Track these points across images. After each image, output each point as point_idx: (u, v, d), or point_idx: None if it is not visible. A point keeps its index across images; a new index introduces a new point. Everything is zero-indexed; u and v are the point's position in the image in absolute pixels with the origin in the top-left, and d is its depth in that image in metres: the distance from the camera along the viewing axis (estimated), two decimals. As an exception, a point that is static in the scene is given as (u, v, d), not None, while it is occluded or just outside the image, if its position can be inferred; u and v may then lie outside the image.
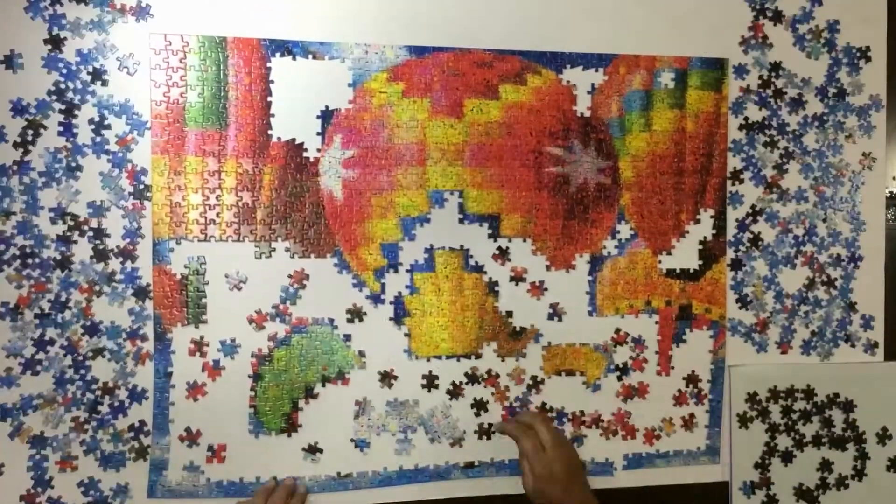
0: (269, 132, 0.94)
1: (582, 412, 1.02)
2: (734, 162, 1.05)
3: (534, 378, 1.01)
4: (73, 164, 0.90)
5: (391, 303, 0.97)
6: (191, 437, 0.94)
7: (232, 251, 0.94)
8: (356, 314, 0.96)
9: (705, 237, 1.04)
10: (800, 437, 1.06)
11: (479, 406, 0.99)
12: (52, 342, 0.90)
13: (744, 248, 1.05)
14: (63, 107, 0.90)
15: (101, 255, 0.91)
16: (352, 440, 0.97)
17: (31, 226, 0.89)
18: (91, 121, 0.91)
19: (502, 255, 0.99)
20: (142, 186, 0.92)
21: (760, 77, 1.05)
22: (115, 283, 0.91)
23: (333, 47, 0.95)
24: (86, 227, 0.91)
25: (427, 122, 0.97)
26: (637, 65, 1.02)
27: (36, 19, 0.89)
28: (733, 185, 1.05)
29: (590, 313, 1.02)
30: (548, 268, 1.01)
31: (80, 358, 0.91)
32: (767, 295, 1.06)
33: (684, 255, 1.04)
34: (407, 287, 0.97)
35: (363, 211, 0.96)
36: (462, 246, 0.98)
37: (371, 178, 0.96)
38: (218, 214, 0.93)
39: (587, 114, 1.01)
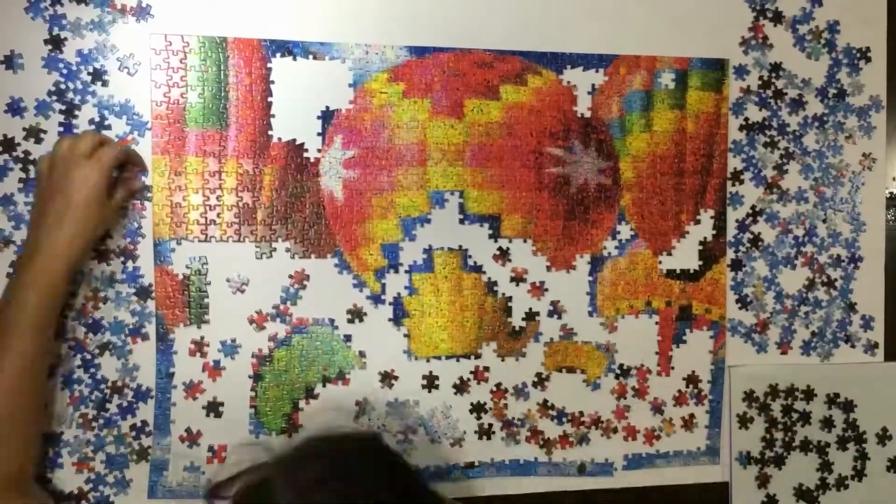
0: (270, 132, 0.94)
1: (581, 412, 1.02)
2: (734, 162, 1.05)
3: (538, 375, 1.01)
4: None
5: (390, 304, 0.97)
6: (191, 438, 0.94)
7: (232, 251, 0.94)
8: (356, 314, 0.96)
9: (705, 238, 1.04)
10: (800, 437, 1.06)
11: (479, 409, 0.99)
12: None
13: (744, 249, 1.06)
14: (63, 107, 0.90)
15: (102, 255, 0.91)
16: (352, 440, 0.97)
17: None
18: (91, 121, 0.90)
19: (503, 255, 0.99)
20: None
21: (761, 78, 1.06)
22: (117, 284, 0.91)
23: (334, 48, 0.95)
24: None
25: (427, 123, 0.97)
26: (637, 65, 1.02)
27: (36, 20, 0.89)
28: (733, 185, 1.05)
29: (590, 314, 1.02)
30: (548, 268, 1.01)
31: (89, 356, 0.91)
32: (767, 295, 1.06)
33: (684, 255, 1.04)
34: (406, 288, 0.97)
35: (364, 211, 0.96)
36: (461, 246, 0.98)
37: (371, 179, 0.96)
38: (218, 215, 0.93)
39: (587, 114, 1.01)
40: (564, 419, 1.02)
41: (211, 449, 0.94)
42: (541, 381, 1.01)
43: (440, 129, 0.97)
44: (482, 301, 0.99)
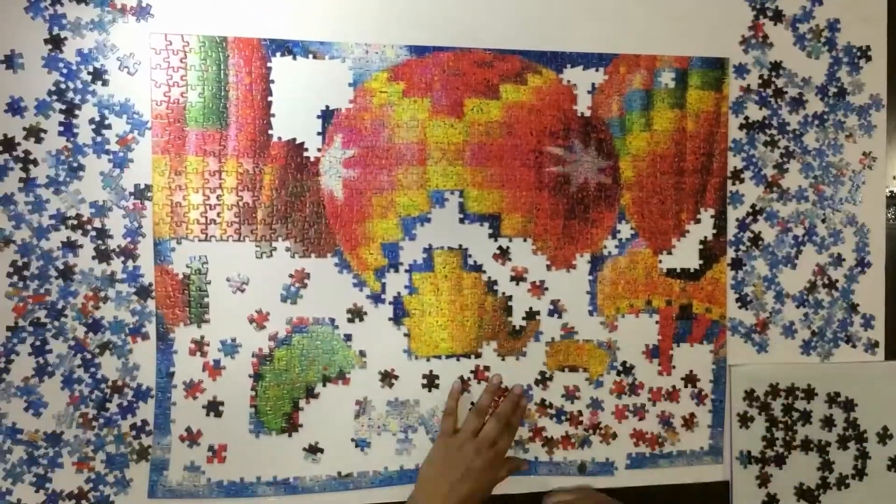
0: (270, 132, 0.94)
1: (580, 412, 1.02)
2: (734, 161, 1.05)
3: (542, 374, 1.01)
4: (75, 165, 0.90)
5: (391, 303, 0.97)
6: (191, 437, 0.94)
7: (232, 251, 0.94)
8: (357, 314, 0.96)
9: (705, 237, 1.04)
10: (800, 436, 1.06)
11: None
12: (59, 339, 0.90)
13: (744, 248, 1.05)
14: (63, 107, 0.90)
15: (103, 255, 0.91)
16: (352, 440, 0.97)
17: (33, 225, 0.89)
18: (91, 121, 0.91)
19: (503, 254, 0.99)
20: (142, 186, 0.92)
21: (761, 76, 1.05)
22: (118, 284, 0.91)
23: (334, 47, 0.95)
24: (88, 227, 0.91)
25: (427, 122, 0.97)
26: (637, 64, 1.02)
27: (36, 19, 0.89)
28: (734, 184, 1.05)
29: (590, 313, 1.02)
30: (548, 267, 1.01)
31: (89, 356, 0.91)
32: (768, 295, 1.06)
33: (685, 254, 1.04)
34: (406, 287, 0.97)
35: (364, 211, 0.96)
36: (461, 245, 0.98)
37: (371, 178, 0.96)
38: (219, 214, 0.93)
39: (587, 113, 1.01)
40: (563, 418, 1.01)
41: (211, 448, 0.94)
42: (543, 381, 1.01)
43: (440, 129, 0.97)
44: (482, 300, 0.99)
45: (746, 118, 1.05)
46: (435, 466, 0.92)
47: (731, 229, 1.05)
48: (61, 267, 0.90)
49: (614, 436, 1.03)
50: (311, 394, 0.96)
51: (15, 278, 0.90)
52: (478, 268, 0.99)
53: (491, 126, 0.98)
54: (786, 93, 1.06)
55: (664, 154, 1.03)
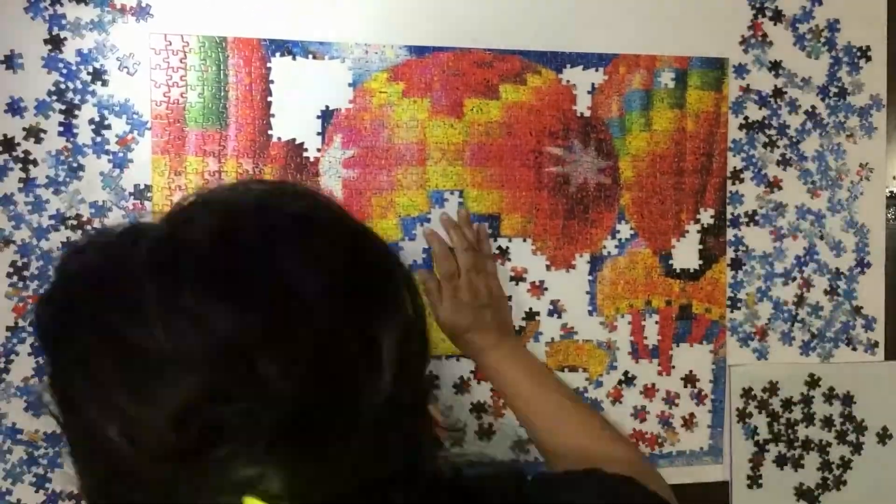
0: (270, 132, 0.94)
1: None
2: (734, 161, 1.05)
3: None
4: (74, 165, 0.90)
5: (391, 302, 0.97)
6: (191, 437, 0.93)
7: (232, 251, 0.93)
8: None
9: (705, 237, 1.04)
10: (801, 436, 1.06)
11: (479, 409, 0.99)
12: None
13: (744, 249, 1.05)
14: (63, 107, 0.90)
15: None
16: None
17: (32, 226, 0.90)
18: (91, 121, 0.91)
19: (502, 254, 0.99)
20: (142, 186, 0.92)
21: (760, 77, 1.05)
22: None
23: (333, 47, 0.95)
24: (88, 228, 0.91)
25: (427, 122, 0.97)
26: (637, 64, 1.02)
27: (36, 19, 0.89)
28: (733, 184, 1.05)
29: (590, 313, 1.02)
30: (548, 268, 1.01)
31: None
32: (768, 295, 1.06)
33: (684, 254, 1.04)
34: (407, 286, 0.97)
35: (363, 211, 0.96)
36: (462, 245, 0.98)
37: (371, 178, 0.96)
38: (218, 214, 0.93)
39: (587, 113, 1.01)
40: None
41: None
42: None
43: (440, 129, 0.97)
44: (482, 299, 0.99)
45: (746, 118, 1.05)
46: (461, 307, 0.91)
47: (731, 229, 1.05)
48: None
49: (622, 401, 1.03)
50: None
51: (15, 278, 0.89)
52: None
53: (490, 126, 0.98)
54: (786, 93, 1.06)
55: (664, 154, 1.03)
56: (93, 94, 0.91)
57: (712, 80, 1.04)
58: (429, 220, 0.97)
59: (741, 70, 1.05)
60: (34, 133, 0.89)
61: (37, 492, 0.90)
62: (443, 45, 0.98)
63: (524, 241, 1.00)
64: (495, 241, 0.99)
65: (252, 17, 0.94)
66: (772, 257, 1.06)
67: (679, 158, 1.03)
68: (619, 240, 1.02)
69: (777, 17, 1.06)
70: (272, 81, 0.94)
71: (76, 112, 0.90)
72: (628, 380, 1.03)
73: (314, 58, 0.95)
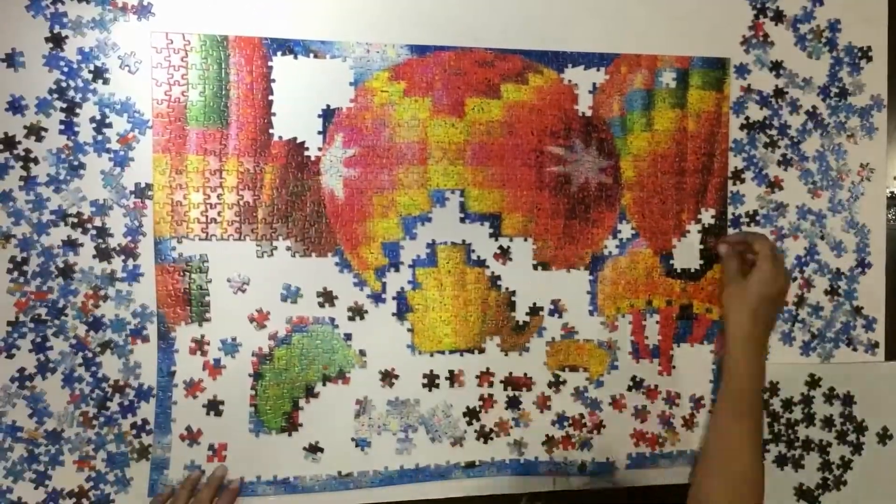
0: (271, 131, 0.94)
1: (582, 415, 1.02)
2: (735, 161, 1.05)
3: (555, 377, 1.01)
4: (75, 163, 0.90)
5: (393, 298, 0.97)
6: (192, 437, 0.93)
7: (233, 250, 0.94)
8: (357, 313, 0.96)
9: (707, 237, 1.04)
10: (801, 436, 1.06)
11: (471, 415, 0.99)
12: (59, 337, 0.90)
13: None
14: (64, 105, 0.90)
15: (103, 253, 0.91)
16: (352, 439, 0.97)
17: (32, 222, 0.89)
18: (92, 119, 0.90)
19: (503, 254, 0.99)
20: (143, 185, 0.92)
21: (762, 77, 1.05)
22: (118, 283, 0.91)
23: (335, 46, 0.95)
24: (89, 226, 0.91)
25: (428, 121, 0.97)
26: (638, 64, 1.02)
27: (37, 17, 0.89)
28: (734, 184, 1.05)
29: (591, 312, 1.02)
30: (548, 266, 1.01)
31: (90, 355, 0.91)
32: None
33: (685, 254, 1.04)
34: (409, 282, 0.97)
35: (364, 210, 0.96)
36: (464, 241, 0.98)
37: (372, 177, 0.96)
38: (219, 213, 0.93)
39: (588, 113, 1.01)
40: (566, 423, 1.01)
41: (211, 447, 0.94)
42: (561, 384, 1.01)
43: (441, 128, 0.97)
44: (486, 295, 0.99)
45: (747, 118, 1.05)
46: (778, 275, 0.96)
47: (732, 229, 1.05)
48: (62, 265, 0.90)
49: (617, 431, 1.03)
50: (310, 393, 0.96)
51: (15, 273, 0.89)
52: (481, 263, 0.99)
53: (492, 126, 0.98)
54: (787, 93, 1.06)
55: (665, 154, 1.03)
56: (94, 92, 0.91)
57: (713, 80, 1.04)
58: (430, 220, 0.97)
59: (742, 70, 1.05)
60: (35, 131, 0.89)
61: (36, 489, 0.90)
62: (444, 45, 0.98)
63: (525, 240, 1.00)
64: (496, 240, 0.99)
65: (253, 15, 0.94)
66: (772, 257, 1.06)
67: (680, 158, 1.03)
68: (620, 239, 1.02)
69: (778, 17, 1.06)
70: (273, 80, 0.94)
71: (77, 110, 0.90)
72: (636, 384, 1.03)
73: (315, 56, 0.95)
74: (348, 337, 0.96)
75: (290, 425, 0.95)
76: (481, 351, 0.99)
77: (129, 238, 0.92)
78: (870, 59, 1.08)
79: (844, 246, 1.08)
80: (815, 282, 1.08)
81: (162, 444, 0.93)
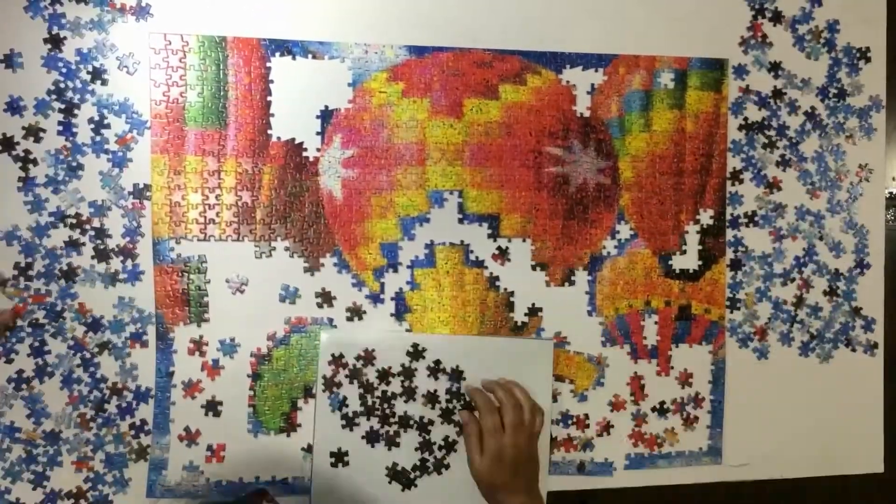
0: (269, 132, 0.94)
1: (587, 415, 1.02)
2: (734, 162, 1.05)
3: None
4: (74, 164, 0.90)
5: (392, 299, 0.97)
6: (190, 437, 0.93)
7: (232, 251, 0.94)
8: (356, 313, 0.96)
9: (705, 237, 1.04)
10: (397, 411, 0.95)
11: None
12: (57, 338, 0.90)
13: (743, 249, 1.05)
14: (63, 106, 0.90)
15: (102, 254, 0.91)
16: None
17: (31, 225, 0.90)
18: (91, 120, 0.91)
19: (502, 254, 0.99)
20: (141, 186, 0.92)
21: (760, 77, 1.05)
22: (117, 283, 0.91)
23: (333, 47, 0.95)
24: (87, 227, 0.91)
25: (427, 122, 0.97)
26: (637, 65, 1.02)
27: (35, 18, 0.89)
28: (733, 185, 1.05)
29: (589, 313, 1.02)
30: (543, 267, 1.01)
31: (88, 356, 0.91)
32: (769, 294, 1.06)
33: (684, 255, 1.04)
34: (408, 283, 0.97)
35: (363, 210, 0.96)
36: (462, 241, 0.98)
37: (371, 178, 0.96)
38: (217, 214, 0.93)
39: (587, 114, 1.01)
40: (570, 422, 1.01)
41: (210, 448, 0.94)
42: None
43: (439, 129, 0.97)
44: (484, 296, 0.99)
45: (746, 119, 1.05)
46: (502, 466, 0.90)
47: (731, 230, 1.05)
48: (64, 267, 0.90)
49: (612, 429, 1.03)
50: (309, 394, 0.96)
51: (16, 272, 0.89)
52: (479, 263, 0.99)
53: (490, 126, 0.98)
54: (785, 94, 1.06)
55: (663, 155, 1.03)
56: (92, 93, 0.91)
57: (712, 80, 1.04)
58: (428, 220, 0.97)
59: (741, 71, 1.05)
60: (33, 132, 0.90)
61: (34, 489, 0.90)
62: (442, 45, 0.98)
63: (524, 241, 1.00)
64: (494, 241, 0.99)
65: (252, 16, 0.94)
66: (771, 258, 1.06)
67: (678, 159, 1.03)
68: (619, 240, 1.02)
69: (776, 18, 1.06)
70: (272, 81, 0.94)
71: (75, 111, 0.90)
72: (635, 384, 1.03)
73: (314, 57, 0.95)
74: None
75: (289, 426, 0.95)
76: (480, 351, 0.99)
77: (128, 239, 0.92)
78: (868, 59, 1.08)
79: (843, 247, 1.08)
80: (814, 282, 1.07)
81: (160, 444, 0.93)
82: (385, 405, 0.96)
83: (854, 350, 1.09)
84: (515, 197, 0.99)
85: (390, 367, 0.96)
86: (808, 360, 1.08)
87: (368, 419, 0.96)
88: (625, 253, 1.02)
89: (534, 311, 1.00)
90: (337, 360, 0.95)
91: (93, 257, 0.91)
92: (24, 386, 0.90)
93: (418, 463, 0.97)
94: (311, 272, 0.95)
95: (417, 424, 0.96)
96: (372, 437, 0.96)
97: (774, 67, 1.06)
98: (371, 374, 0.96)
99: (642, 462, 1.03)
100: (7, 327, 0.89)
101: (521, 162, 0.99)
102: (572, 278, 1.01)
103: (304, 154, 0.95)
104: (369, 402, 0.96)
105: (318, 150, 0.95)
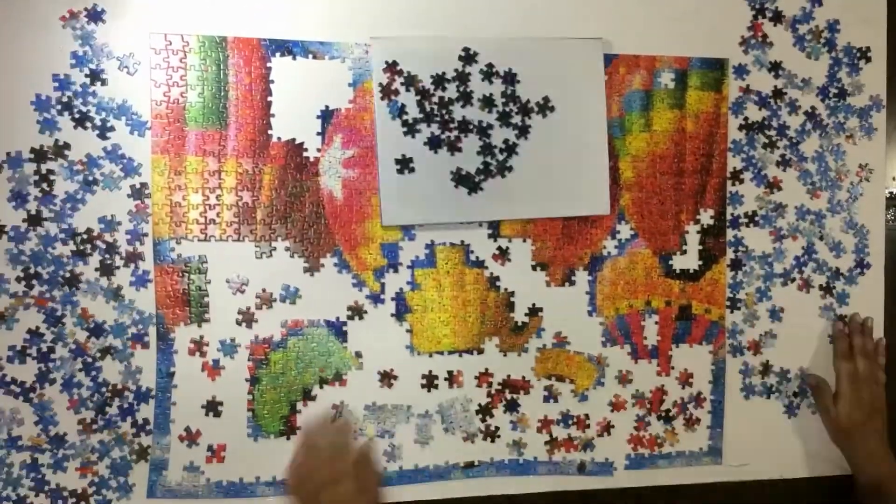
0: (270, 132, 0.94)
1: (587, 415, 1.02)
2: (734, 162, 1.05)
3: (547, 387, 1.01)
4: (74, 162, 0.90)
5: (392, 299, 0.97)
6: (190, 437, 0.93)
7: (232, 251, 0.94)
8: (356, 313, 0.96)
9: (705, 237, 1.04)
10: (455, 117, 0.93)
11: (485, 411, 1.00)
12: (58, 343, 0.90)
13: (743, 249, 1.05)
14: (60, 106, 0.90)
15: (107, 269, 0.91)
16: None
17: (40, 233, 0.90)
18: (90, 120, 0.90)
19: (502, 254, 0.99)
20: (139, 186, 0.92)
21: (760, 77, 1.05)
22: (118, 284, 0.91)
23: (333, 47, 0.95)
24: (90, 227, 0.91)
25: (427, 122, 0.97)
26: (637, 65, 1.02)
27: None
28: (733, 185, 1.05)
29: (589, 313, 1.02)
30: (542, 267, 1.01)
31: (90, 360, 0.91)
32: (769, 294, 1.06)
33: (684, 255, 1.04)
34: (408, 283, 0.97)
35: (363, 211, 0.96)
36: (463, 241, 0.98)
37: (371, 178, 0.96)
38: (218, 214, 0.93)
39: (587, 114, 1.01)
40: (570, 422, 1.01)
41: (210, 448, 0.94)
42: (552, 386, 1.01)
43: (440, 129, 0.97)
44: (485, 296, 0.99)
45: (746, 119, 1.05)
46: (861, 404, 1.02)
47: (731, 230, 1.05)
48: (68, 269, 0.90)
49: (612, 428, 1.03)
50: (308, 396, 0.96)
51: (19, 271, 0.90)
52: (480, 263, 0.99)
53: (490, 126, 0.98)
54: (785, 94, 1.06)
55: (664, 154, 1.03)
56: (93, 94, 0.91)
57: (712, 80, 1.04)
58: (429, 220, 0.98)
59: (741, 71, 1.05)
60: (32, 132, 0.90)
61: (37, 496, 0.91)
62: (443, 46, 0.98)
63: (524, 241, 1.00)
64: (495, 241, 0.99)
65: (252, 16, 0.94)
66: (771, 258, 1.06)
67: (679, 159, 1.03)
68: (619, 240, 1.02)
69: (777, 17, 1.06)
70: (272, 81, 0.94)
71: (75, 112, 0.90)
72: (624, 386, 1.03)
73: (314, 57, 0.95)
74: (345, 338, 0.96)
75: (289, 429, 0.95)
76: (480, 351, 0.99)
77: (128, 237, 0.92)
78: (869, 59, 1.08)
79: (843, 246, 1.08)
80: (814, 282, 1.07)
81: (161, 444, 0.93)
82: (443, 110, 0.95)
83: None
84: (516, 197, 0.99)
85: (444, 73, 0.95)
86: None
87: (429, 125, 0.95)
88: (625, 253, 1.02)
89: (534, 311, 1.00)
90: (391, 67, 0.94)
91: (87, 254, 0.91)
92: (31, 395, 0.90)
93: (481, 167, 0.96)
94: (311, 272, 0.95)
95: (477, 128, 0.96)
96: (434, 143, 0.95)
97: (775, 67, 1.06)
98: (426, 80, 0.95)
99: (643, 462, 1.03)
100: None
101: (522, 162, 0.99)
102: (572, 278, 1.01)
103: (305, 154, 0.95)
104: (427, 108, 0.95)
105: (319, 150, 0.95)
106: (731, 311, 1.05)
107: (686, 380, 1.04)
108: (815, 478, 1.08)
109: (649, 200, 1.03)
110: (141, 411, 0.92)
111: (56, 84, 0.90)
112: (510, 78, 0.97)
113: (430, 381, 0.98)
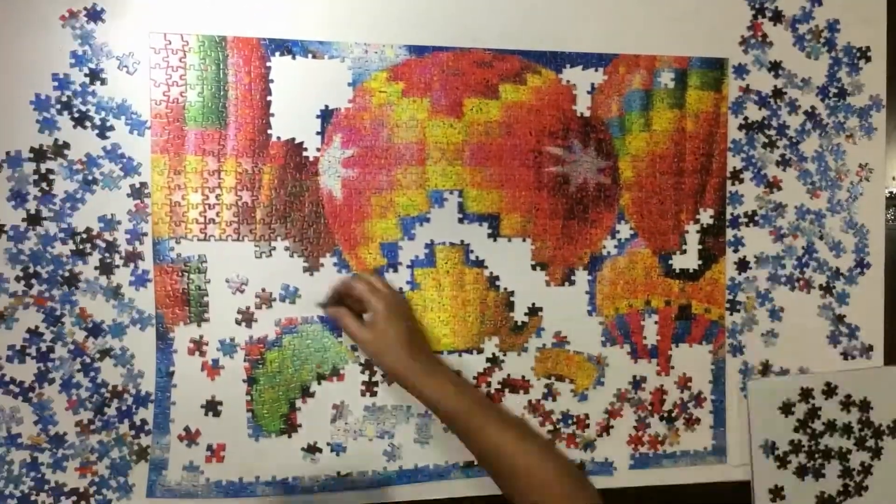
0: (269, 131, 0.94)
1: (587, 415, 1.02)
2: (734, 162, 1.05)
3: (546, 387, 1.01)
4: (74, 164, 0.90)
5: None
6: (190, 437, 0.93)
7: (232, 250, 0.94)
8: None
9: (705, 237, 1.04)
10: (822, 444, 1.06)
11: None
12: (57, 343, 0.90)
13: (743, 248, 1.05)
14: (60, 106, 0.90)
15: (106, 267, 0.91)
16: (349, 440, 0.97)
17: (40, 233, 0.90)
18: (90, 120, 0.90)
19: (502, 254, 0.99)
20: (139, 185, 0.92)
21: (760, 77, 1.05)
22: (119, 283, 0.91)
23: (333, 47, 0.95)
24: (90, 227, 0.91)
25: (427, 122, 0.97)
26: (637, 64, 1.02)
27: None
28: (733, 184, 1.05)
29: (589, 313, 1.01)
30: (542, 267, 1.01)
31: (89, 360, 0.91)
32: (769, 294, 1.06)
33: (684, 254, 1.04)
34: (408, 283, 0.97)
35: (363, 210, 0.96)
36: (462, 241, 0.98)
37: (371, 178, 0.96)
38: (217, 214, 0.93)
39: (587, 113, 1.01)
40: (571, 421, 1.01)
41: (210, 448, 0.94)
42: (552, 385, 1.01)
43: (439, 129, 0.97)
44: (484, 296, 0.99)
45: (746, 118, 1.05)
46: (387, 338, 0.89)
47: (731, 230, 1.05)
48: (68, 268, 0.90)
49: (612, 429, 1.03)
50: (306, 393, 0.96)
51: (18, 271, 0.90)
52: (479, 263, 0.99)
53: (490, 126, 0.98)
54: (785, 93, 1.06)
55: (663, 154, 1.03)
56: (92, 93, 0.91)
57: (712, 80, 1.04)
58: (428, 220, 0.97)
59: (741, 70, 1.05)
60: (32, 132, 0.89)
61: (37, 495, 0.90)
62: (442, 45, 0.98)
63: (524, 240, 1.00)
64: (495, 241, 0.99)
65: (252, 16, 0.94)
66: (771, 257, 1.06)
67: (679, 158, 1.03)
68: (619, 240, 1.02)
69: (777, 17, 1.06)
70: (272, 81, 0.94)
71: (75, 112, 0.90)
72: (635, 384, 1.03)
73: (314, 57, 0.95)
74: (340, 334, 0.96)
75: (289, 427, 0.95)
76: (480, 351, 0.99)
77: (128, 237, 0.92)
78: (868, 59, 1.08)
79: (843, 246, 1.08)
80: (814, 281, 1.07)
81: (160, 444, 0.93)
82: (811, 442, 1.05)
83: (853, 350, 1.08)
84: (515, 196, 0.99)
85: (810, 411, 1.05)
86: (808, 361, 1.07)
87: (797, 455, 1.05)
88: (625, 252, 1.02)
89: (534, 311, 1.00)
90: (786, 408, 1.05)
91: (86, 253, 0.91)
92: (30, 394, 0.90)
93: (841, 488, 1.06)
94: (310, 272, 0.95)
95: (837, 454, 1.05)
96: (802, 472, 1.05)
97: (774, 67, 1.06)
98: (801, 412, 1.05)
99: (644, 462, 1.03)
100: None
101: (522, 161, 0.99)
102: (572, 278, 1.01)
103: (304, 154, 0.95)
104: (795, 441, 1.05)
105: (318, 149, 0.95)
106: (731, 313, 1.05)
107: (685, 383, 1.04)
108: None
109: (649, 200, 1.03)
110: (140, 411, 0.92)
111: (55, 83, 0.90)
112: (865, 406, 1.06)
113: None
